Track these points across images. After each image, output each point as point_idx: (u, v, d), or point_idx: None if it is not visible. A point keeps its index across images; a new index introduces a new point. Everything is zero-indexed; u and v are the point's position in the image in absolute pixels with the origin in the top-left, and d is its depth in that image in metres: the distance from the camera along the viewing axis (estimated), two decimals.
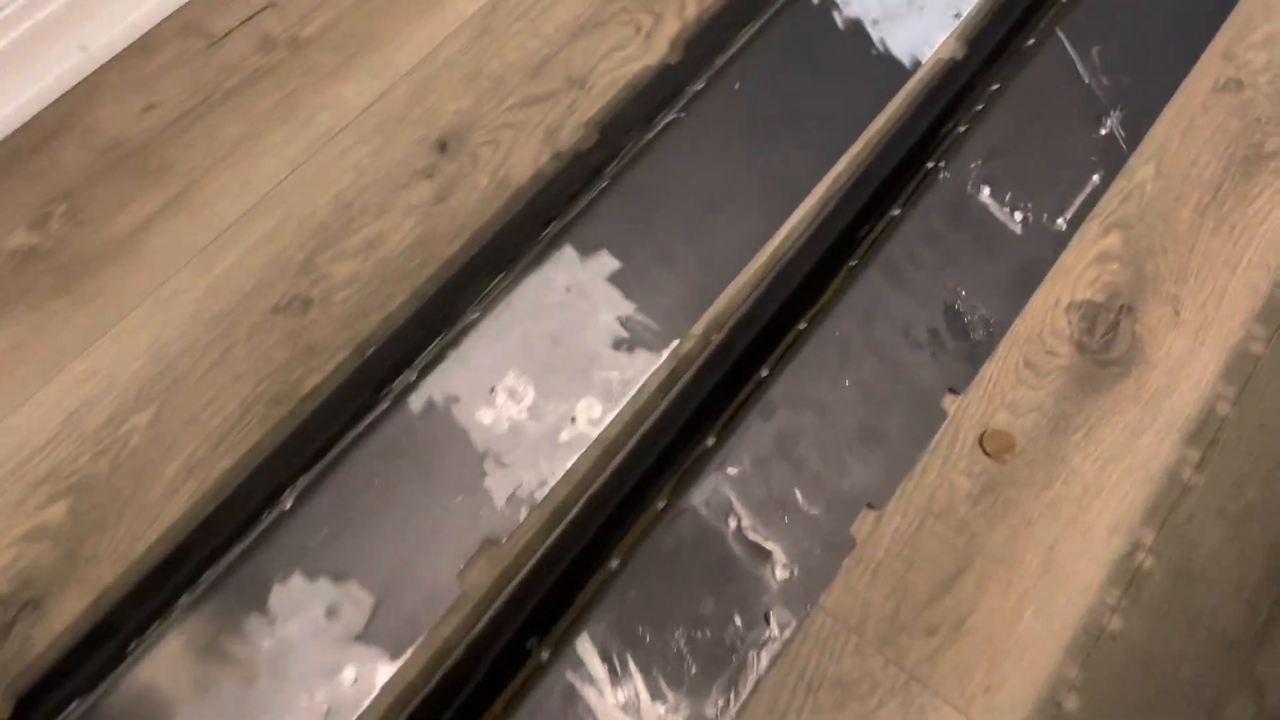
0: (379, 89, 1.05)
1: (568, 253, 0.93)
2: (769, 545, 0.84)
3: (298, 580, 0.79)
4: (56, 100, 1.01)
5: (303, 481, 0.82)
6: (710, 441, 0.87)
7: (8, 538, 0.83)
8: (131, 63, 1.04)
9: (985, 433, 0.93)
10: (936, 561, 0.88)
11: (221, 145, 1.01)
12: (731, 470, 0.85)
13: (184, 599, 0.78)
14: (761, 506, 0.85)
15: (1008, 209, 1.00)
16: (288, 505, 0.81)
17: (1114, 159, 1.05)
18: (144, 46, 1.05)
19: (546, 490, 0.88)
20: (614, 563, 0.82)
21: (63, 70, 1.01)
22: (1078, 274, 1.01)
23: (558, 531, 0.86)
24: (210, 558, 0.81)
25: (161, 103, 1.03)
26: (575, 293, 0.92)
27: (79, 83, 1.02)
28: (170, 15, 1.07)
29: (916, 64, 1.09)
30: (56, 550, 0.83)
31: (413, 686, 0.81)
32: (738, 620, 0.82)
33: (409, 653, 0.80)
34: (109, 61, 1.04)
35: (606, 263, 0.94)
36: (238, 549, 0.80)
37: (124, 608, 0.80)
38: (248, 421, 0.89)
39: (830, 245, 0.99)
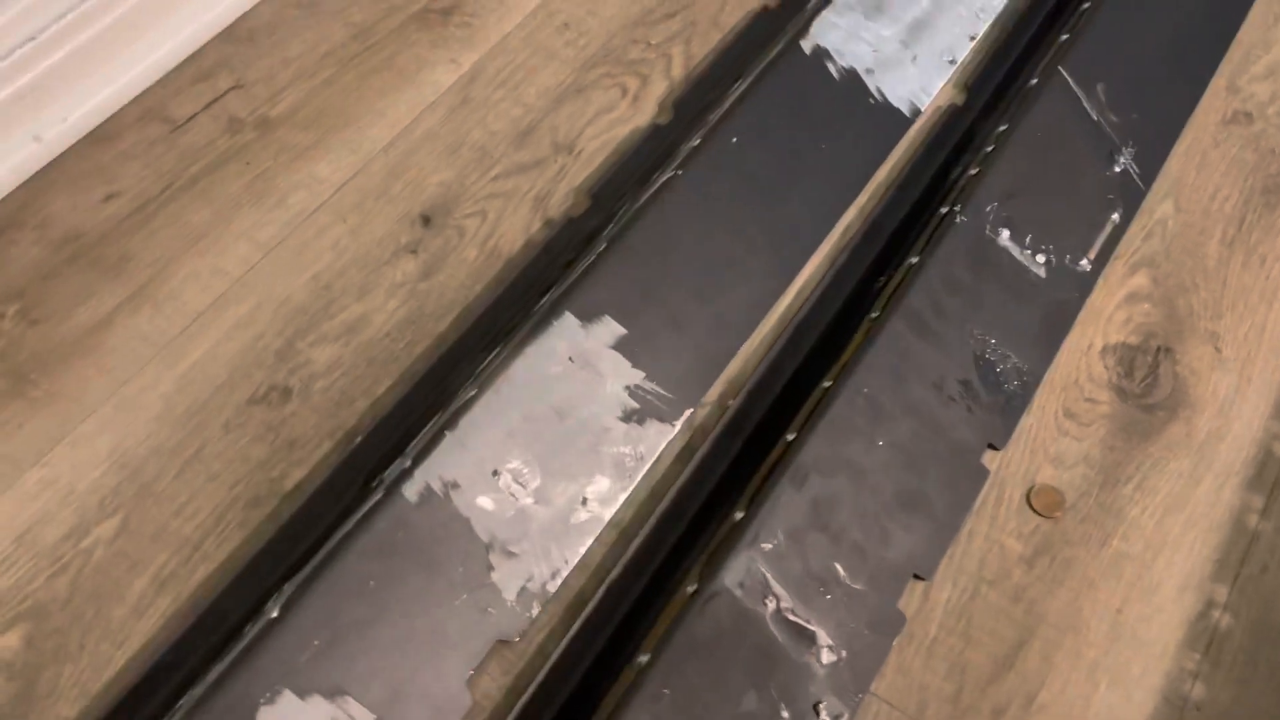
0: (355, 165, 0.99)
1: (568, 320, 0.86)
2: (812, 627, 0.76)
3: (288, 700, 0.70)
4: (8, 194, 0.95)
5: (289, 587, 0.73)
6: (739, 515, 0.79)
7: None
8: (89, 150, 0.98)
9: (1032, 489, 0.85)
10: (995, 634, 0.79)
11: (188, 232, 0.94)
12: (765, 545, 0.77)
13: None
14: (801, 584, 0.77)
15: (1029, 251, 0.94)
16: (273, 614, 0.72)
17: (1131, 196, 1.00)
18: (103, 135, 0.99)
19: (560, 581, 0.79)
20: (643, 658, 0.73)
21: (16, 161, 0.94)
22: (1108, 316, 0.95)
23: (576, 626, 0.78)
24: (186, 681, 0.71)
25: (122, 191, 0.96)
26: (578, 362, 0.85)
27: (33, 174, 0.96)
28: (130, 102, 1.01)
29: (916, 112, 1.05)
30: (11, 686, 0.73)
31: None
32: (785, 715, 0.73)
33: None
34: (65, 151, 0.97)
35: (610, 329, 0.87)
36: (217, 669, 0.70)
37: None
38: (224, 527, 0.80)
39: (846, 299, 0.93)
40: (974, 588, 0.81)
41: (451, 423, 0.80)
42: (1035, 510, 0.84)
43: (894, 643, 0.78)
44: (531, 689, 0.75)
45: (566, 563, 0.80)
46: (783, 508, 0.79)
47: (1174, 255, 0.98)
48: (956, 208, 0.93)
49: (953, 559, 0.82)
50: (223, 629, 0.74)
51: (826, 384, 0.85)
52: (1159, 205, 1.02)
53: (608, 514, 0.82)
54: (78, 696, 0.73)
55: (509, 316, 0.90)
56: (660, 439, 0.85)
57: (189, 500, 0.81)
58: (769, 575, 0.77)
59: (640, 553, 0.81)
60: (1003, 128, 1.00)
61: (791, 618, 0.76)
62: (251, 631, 0.72)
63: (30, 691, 0.73)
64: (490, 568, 0.78)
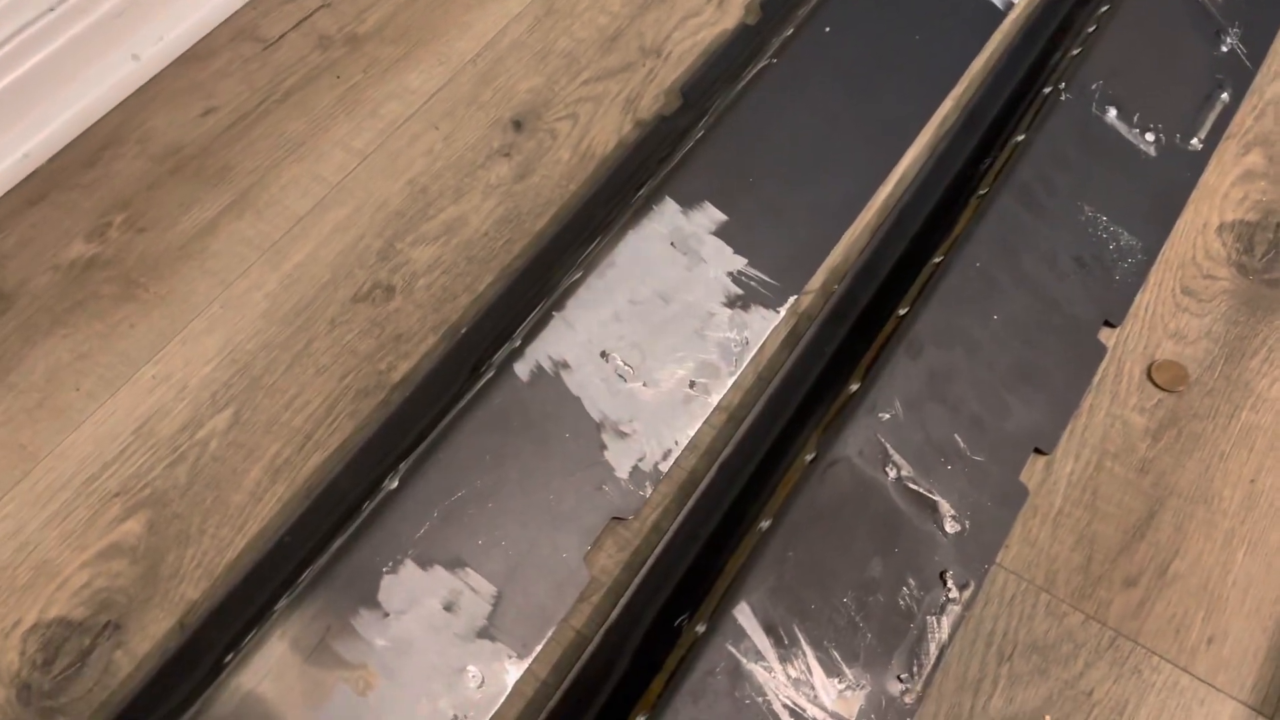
0: (444, 75, 0.99)
1: (668, 206, 0.85)
2: (934, 497, 0.74)
3: (410, 569, 0.70)
4: (110, 110, 0.96)
5: (404, 465, 0.73)
6: (854, 386, 0.77)
7: (81, 559, 0.74)
8: (186, 69, 0.99)
9: (1153, 364, 0.83)
10: (1123, 506, 0.77)
11: (284, 143, 0.95)
12: (883, 415, 0.75)
13: (283, 601, 0.68)
14: (920, 454, 0.75)
15: (1138, 130, 0.91)
16: (392, 487, 0.71)
17: (1240, 76, 0.97)
18: (197, 54, 1.00)
19: (672, 461, 0.78)
20: (764, 523, 0.71)
21: (115, 80, 0.96)
22: (1223, 194, 0.92)
23: (690, 504, 0.77)
24: (308, 558, 0.71)
25: (219, 106, 0.97)
26: (680, 247, 0.84)
27: (133, 92, 0.97)
28: (223, 22, 1.02)
29: (1009, 2, 1.02)
30: (135, 569, 0.74)
31: (548, 685, 0.70)
32: (911, 582, 0.71)
33: (540, 647, 0.70)
34: (163, 69, 0.98)
35: (711, 215, 0.86)
36: (339, 540, 0.70)
37: (215, 622, 0.70)
38: (335, 417, 0.81)
39: (950, 183, 0.91)
40: (1098, 461, 0.79)
41: (559, 304, 0.80)
42: (1157, 385, 0.82)
43: (1018, 514, 0.76)
44: (649, 565, 0.74)
45: (677, 444, 0.79)
46: (899, 378, 0.77)
47: None
48: (1061, 85, 0.91)
49: (1074, 433, 0.80)
50: (341, 508, 0.74)
51: (937, 259, 0.83)
52: (1269, 85, 0.98)
53: (715, 398, 0.81)
54: (201, 577, 0.74)
55: (606, 211, 0.89)
56: (765, 325, 0.84)
57: (299, 393, 0.81)
58: (888, 444, 0.75)
59: (752, 432, 0.79)
60: (1104, 9, 0.97)
61: (913, 487, 0.74)
62: (370, 506, 0.72)
63: (154, 574, 0.74)
64: (603, 446, 0.77)
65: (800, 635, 0.68)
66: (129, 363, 0.83)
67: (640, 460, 0.77)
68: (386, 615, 0.68)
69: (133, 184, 0.92)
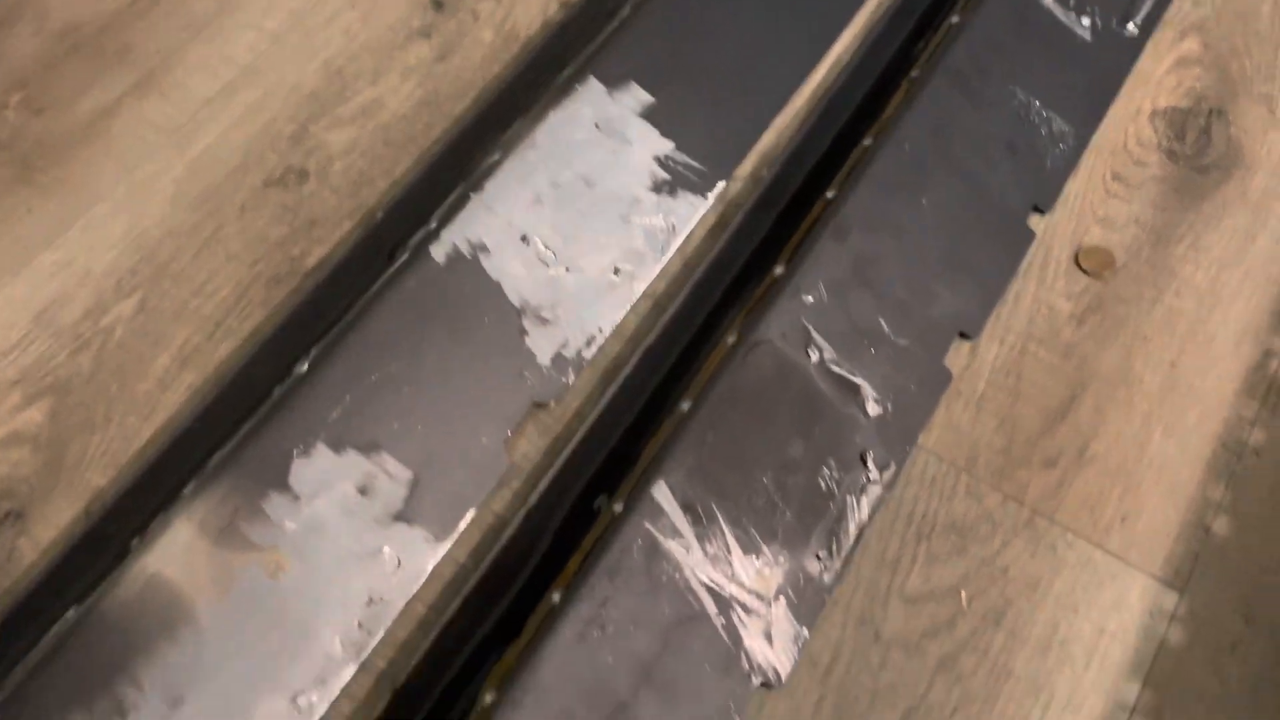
0: None
1: (593, 86, 0.82)
2: (857, 379, 0.74)
3: (322, 452, 0.68)
4: None
5: (316, 349, 0.71)
6: (779, 270, 0.76)
7: None
8: None
9: (1080, 250, 0.82)
10: (1045, 389, 0.77)
11: (190, 22, 0.90)
12: (807, 298, 0.74)
13: (190, 485, 0.66)
14: (844, 338, 0.74)
15: (1073, 14, 0.90)
16: (302, 370, 0.69)
17: None
18: None
19: (596, 348, 0.76)
20: (685, 405, 0.70)
21: None
22: (1157, 80, 0.91)
23: (612, 390, 0.75)
24: (217, 444, 0.69)
25: None
26: (605, 130, 0.82)
27: None
28: None
29: None
30: (38, 457, 0.71)
31: (465, 569, 0.69)
32: (831, 463, 0.71)
33: (458, 530, 0.69)
34: None
35: (637, 96, 0.83)
36: (248, 425, 0.68)
37: (121, 508, 0.68)
38: (246, 304, 0.78)
39: (884, 67, 0.89)
40: (1022, 345, 0.78)
41: (476, 186, 0.77)
42: (1084, 270, 0.81)
43: (940, 398, 0.75)
44: (569, 449, 0.73)
45: (601, 331, 0.77)
46: (824, 262, 0.76)
47: (1225, 20, 0.93)
48: None
49: (1000, 319, 0.79)
50: (252, 395, 0.72)
51: (866, 142, 0.81)
52: None
53: (641, 285, 0.79)
54: (107, 465, 0.71)
55: (529, 94, 0.86)
56: (693, 211, 0.82)
57: (208, 280, 0.79)
58: (811, 328, 0.74)
59: (676, 319, 0.78)
60: None
61: (835, 369, 0.73)
62: (280, 390, 0.70)
63: (58, 462, 0.71)
64: (524, 332, 0.75)
65: (719, 514, 0.68)
66: (26, 248, 0.79)
67: (563, 347, 0.76)
68: (297, 498, 0.67)
69: (29, 63, 0.87)
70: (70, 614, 0.63)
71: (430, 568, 0.68)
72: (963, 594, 0.70)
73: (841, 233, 0.77)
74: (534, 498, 0.71)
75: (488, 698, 0.61)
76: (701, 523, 0.67)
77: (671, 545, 0.66)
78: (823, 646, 0.68)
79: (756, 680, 0.65)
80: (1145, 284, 0.81)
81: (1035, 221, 0.83)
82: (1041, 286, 0.81)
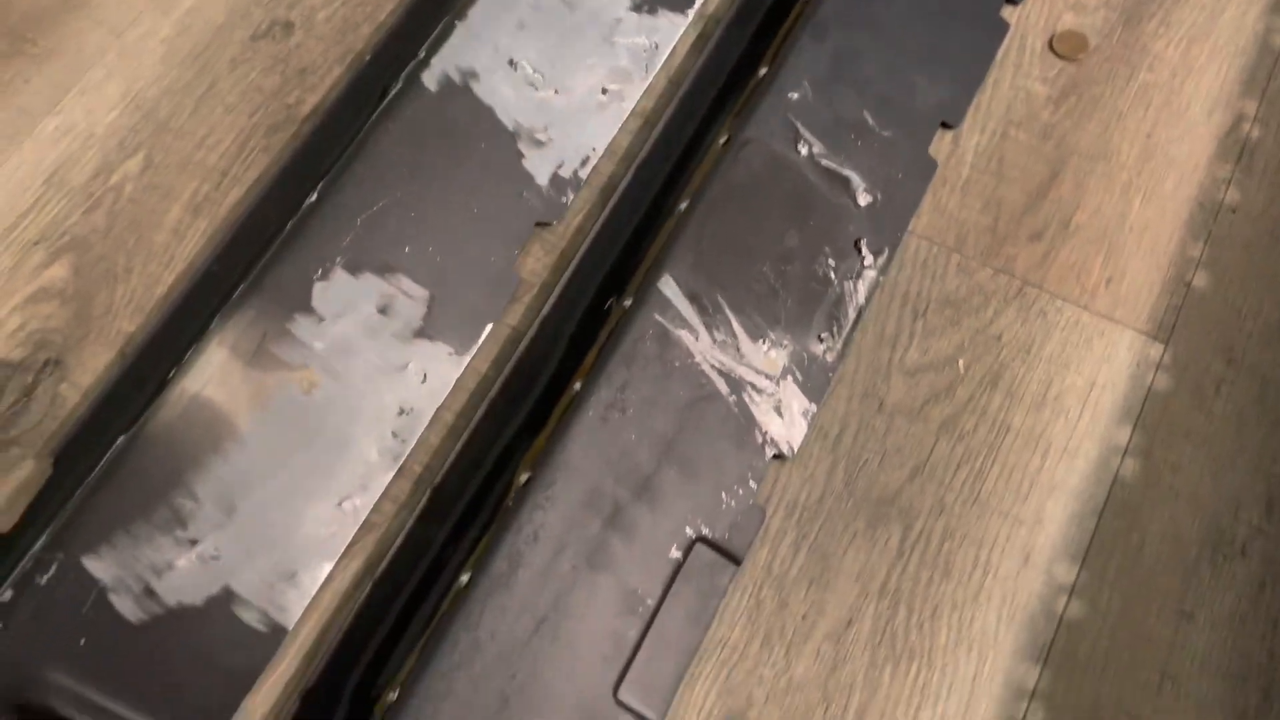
0: None
1: None
2: (846, 172, 0.76)
3: (340, 276, 0.71)
4: None
5: (324, 181, 0.73)
6: (763, 71, 0.78)
7: (10, 304, 0.74)
8: None
9: (1054, 35, 0.84)
10: (1027, 170, 0.80)
11: None
12: (792, 95, 0.77)
13: (218, 317, 0.69)
14: (831, 131, 0.77)
15: None
16: (311, 199, 0.72)
17: None
18: None
19: (591, 167, 0.79)
20: (682, 205, 0.73)
21: None
22: None
23: (611, 205, 0.78)
24: (238, 281, 0.72)
25: None
26: None
27: None
28: None
29: None
30: (66, 309, 0.74)
31: (488, 379, 0.73)
32: (827, 251, 0.74)
33: (478, 343, 0.72)
34: None
35: None
36: (267, 255, 0.71)
37: (153, 347, 0.71)
38: (249, 153, 0.80)
39: None
40: (1002, 130, 0.81)
41: (461, 14, 0.79)
42: (1058, 54, 0.83)
43: (928, 186, 0.78)
44: (575, 262, 0.76)
45: (595, 150, 0.79)
46: (806, 60, 0.78)
47: None
48: None
49: (979, 107, 0.82)
50: (265, 234, 0.74)
51: None
52: None
53: (629, 103, 0.81)
54: (134, 312, 0.74)
55: None
56: (674, 29, 0.83)
57: (209, 133, 0.80)
58: (798, 124, 0.76)
59: (667, 133, 0.80)
60: None
61: (825, 163, 0.76)
62: (292, 223, 0.72)
63: (86, 313, 0.74)
64: (520, 155, 0.77)
65: (723, 303, 0.71)
66: (28, 117, 0.81)
67: (559, 167, 0.78)
68: (322, 320, 0.70)
69: None
70: (120, 440, 0.66)
71: (454, 379, 0.72)
72: (960, 362, 0.73)
73: (821, 31, 0.78)
74: (546, 308, 0.74)
75: (522, 478, 0.65)
76: (708, 311, 0.70)
77: (681, 334, 0.69)
78: (831, 419, 0.72)
79: (770, 452, 0.69)
80: (1118, 62, 0.83)
81: (1008, 12, 0.85)
82: (1018, 74, 0.83)
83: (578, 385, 0.67)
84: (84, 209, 0.77)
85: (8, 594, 0.61)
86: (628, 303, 0.70)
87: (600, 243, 0.76)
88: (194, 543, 0.64)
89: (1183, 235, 0.77)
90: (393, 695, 0.59)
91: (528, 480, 0.64)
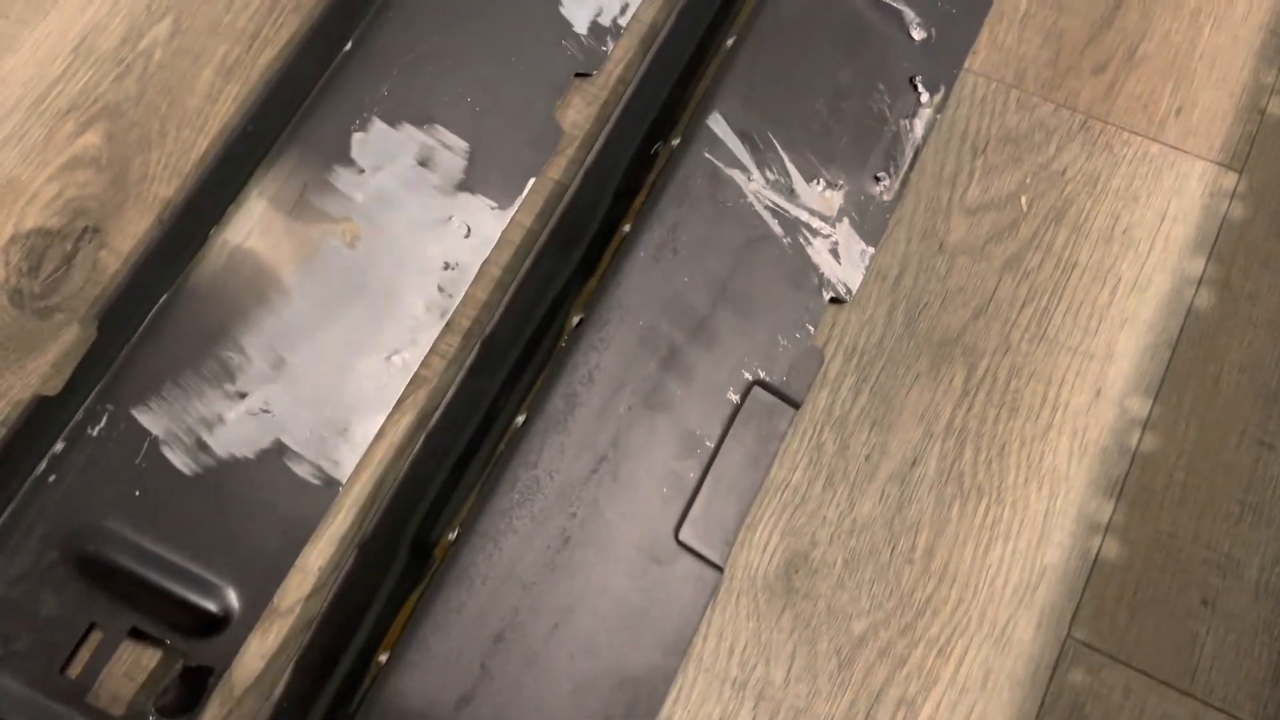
0: None
1: None
2: (899, 5, 0.73)
3: (379, 128, 0.69)
4: None
5: (357, 32, 0.71)
6: None
7: (46, 174, 0.73)
8: None
9: None
10: (1089, 0, 0.76)
11: None
12: None
13: (258, 170, 0.68)
14: None
15: None
16: (347, 48, 0.70)
17: None
18: None
19: (631, 15, 0.76)
20: (730, 40, 0.70)
21: None
22: None
23: (651, 54, 0.75)
24: (275, 135, 0.70)
25: None
26: None
27: None
28: None
29: None
30: (102, 177, 0.73)
31: (533, 232, 0.71)
32: (881, 89, 0.71)
33: (521, 197, 0.70)
34: None
35: None
36: (303, 107, 0.69)
37: (193, 209, 0.70)
38: (279, 13, 0.78)
39: None
40: None
41: None
42: None
43: (983, 21, 0.75)
44: (618, 113, 0.73)
45: None
46: None
47: None
48: None
49: None
50: (300, 90, 0.72)
51: None
52: None
53: None
54: (171, 177, 0.73)
55: None
56: None
57: None
58: None
59: None
60: None
61: None
62: (327, 72, 0.70)
63: (123, 179, 0.73)
64: (558, 3, 0.75)
65: (775, 141, 0.68)
66: None
67: (598, 14, 0.75)
68: (362, 171, 0.68)
69: None
70: (164, 298, 0.65)
71: (499, 234, 0.70)
72: (1022, 199, 0.70)
73: None
74: (590, 161, 0.72)
75: (574, 320, 0.63)
76: (759, 150, 0.68)
77: (733, 173, 0.67)
78: (889, 261, 0.69)
79: (827, 295, 0.67)
80: None
81: None
82: None
83: (627, 227, 0.65)
84: (114, 76, 0.76)
85: (60, 446, 0.60)
86: (676, 142, 0.67)
87: (643, 93, 0.74)
88: (243, 396, 0.63)
89: (1255, 62, 0.73)
90: (452, 535, 0.58)
91: (580, 321, 0.62)
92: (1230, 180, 0.70)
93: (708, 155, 0.66)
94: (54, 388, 0.65)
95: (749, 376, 0.64)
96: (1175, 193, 0.70)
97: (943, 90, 0.72)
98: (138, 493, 0.60)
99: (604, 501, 0.60)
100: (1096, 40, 0.74)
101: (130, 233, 0.71)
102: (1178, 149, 0.71)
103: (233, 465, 0.62)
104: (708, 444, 0.62)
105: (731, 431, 0.63)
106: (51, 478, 0.60)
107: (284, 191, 0.66)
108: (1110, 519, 0.63)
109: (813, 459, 0.65)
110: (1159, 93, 0.73)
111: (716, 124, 0.67)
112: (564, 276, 0.68)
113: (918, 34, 0.72)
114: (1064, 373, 0.66)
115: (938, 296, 0.68)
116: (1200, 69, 0.73)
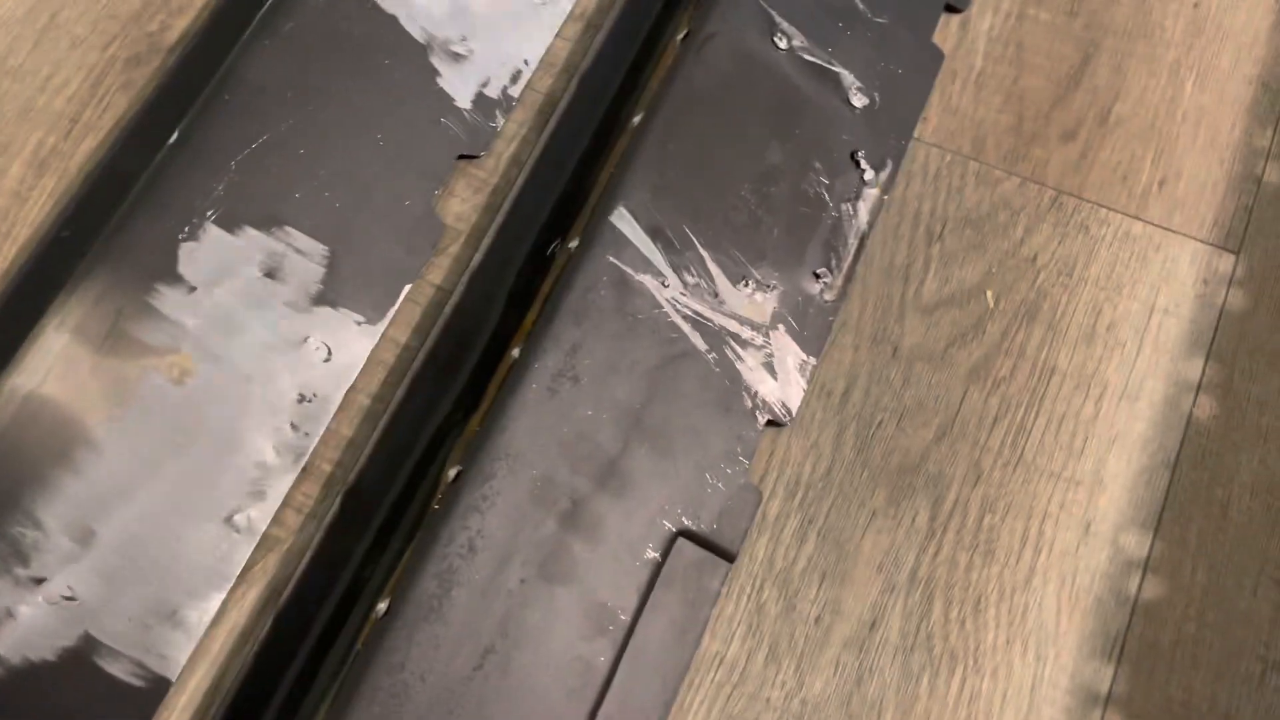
0: None
1: None
2: (835, 68, 0.62)
3: (213, 234, 0.57)
4: None
5: (189, 116, 0.59)
6: None
7: None
8: None
9: None
10: (1053, 55, 0.66)
11: None
12: None
13: (59, 294, 0.55)
14: (813, 20, 0.63)
15: None
16: (171, 139, 0.57)
17: None
18: None
19: (524, 83, 0.65)
20: (637, 119, 0.59)
21: None
22: None
23: (550, 129, 0.64)
24: (92, 234, 0.57)
25: None
26: None
27: None
28: None
29: None
30: None
31: (409, 349, 0.59)
32: (818, 167, 0.60)
33: (394, 309, 0.58)
34: None
35: None
36: (117, 214, 0.57)
37: None
38: (104, 92, 0.65)
39: None
40: (1019, 10, 0.67)
41: None
42: None
43: (934, 80, 0.64)
44: (510, 201, 0.62)
45: (527, 63, 0.65)
46: None
47: None
48: None
49: None
50: (119, 183, 0.60)
51: None
52: None
53: (567, 4, 0.67)
54: None
55: None
56: None
57: (54, 73, 0.66)
58: (773, 12, 0.62)
59: (615, 36, 0.66)
60: None
61: (809, 58, 0.62)
62: (149, 171, 0.58)
63: None
64: (435, 73, 0.63)
65: (693, 238, 0.57)
66: None
67: (484, 86, 0.64)
68: (194, 289, 0.56)
69: None
70: None
71: (366, 353, 0.58)
72: (988, 293, 0.60)
73: None
74: (476, 260, 0.60)
75: (451, 473, 0.51)
76: (675, 249, 0.56)
77: (643, 279, 0.56)
78: (834, 373, 0.58)
79: (763, 418, 0.55)
80: None
81: None
82: None
83: (516, 351, 0.54)
84: None
85: None
86: (574, 244, 0.56)
87: (540, 175, 0.62)
88: (39, 582, 0.50)
89: (1247, 121, 0.64)
90: None
91: (458, 475, 0.51)
92: (1226, 263, 0.60)
93: (612, 259, 0.55)
94: None
95: (671, 527, 0.52)
96: (1164, 280, 0.60)
97: (890, 165, 0.61)
98: None
99: (493, 706, 0.48)
100: (1063, 101, 0.64)
101: None
102: (1164, 228, 0.61)
103: (28, 673, 0.49)
104: (622, 617, 0.50)
105: (652, 598, 0.51)
106: None
107: (91, 320, 0.54)
108: (1111, 688, 0.52)
109: (752, 625, 0.53)
110: (1139, 161, 0.63)
111: (621, 220, 0.56)
112: (445, 408, 0.56)
113: (858, 100, 0.62)
114: (1046, 504, 0.55)
115: (893, 414, 0.57)
116: (1184, 132, 0.63)
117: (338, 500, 0.54)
